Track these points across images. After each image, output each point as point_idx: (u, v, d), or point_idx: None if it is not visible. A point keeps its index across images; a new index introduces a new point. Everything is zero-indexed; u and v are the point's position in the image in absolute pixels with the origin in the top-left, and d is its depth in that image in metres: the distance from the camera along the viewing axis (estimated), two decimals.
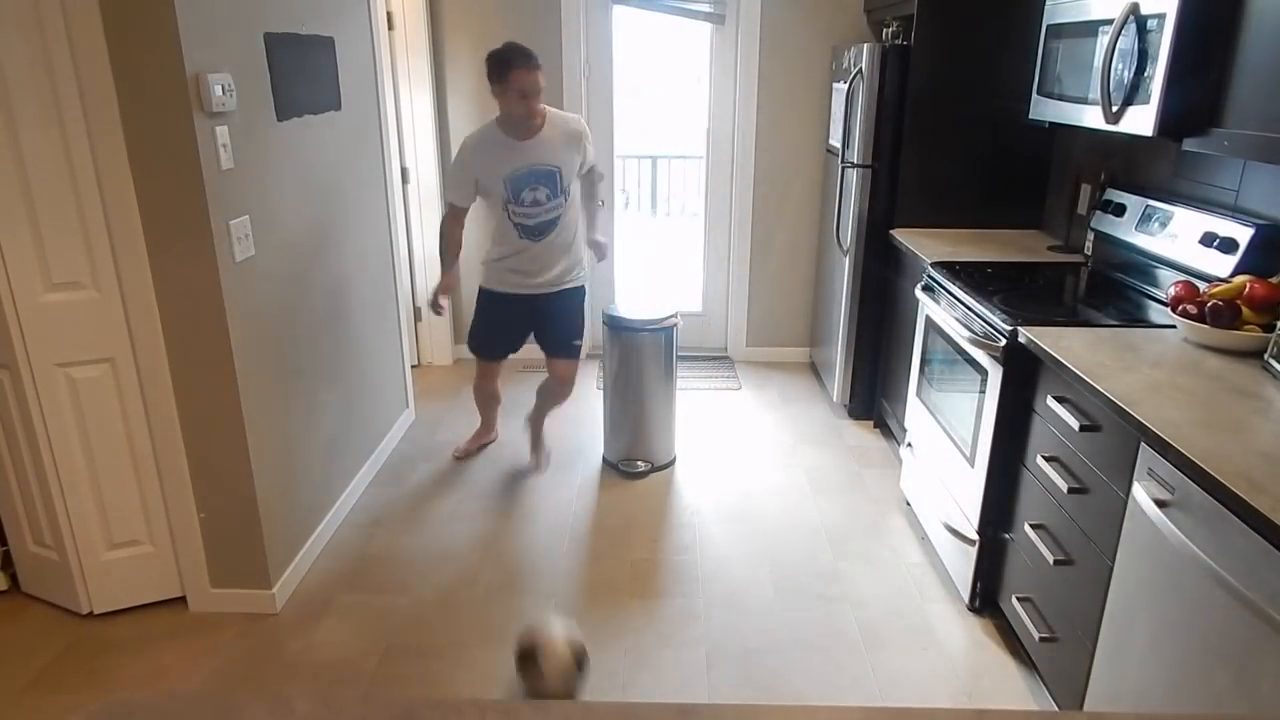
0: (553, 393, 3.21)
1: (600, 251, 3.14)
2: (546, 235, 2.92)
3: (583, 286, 3.12)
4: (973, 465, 2.36)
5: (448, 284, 3.10)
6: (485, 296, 3.08)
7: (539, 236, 2.92)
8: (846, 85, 3.48)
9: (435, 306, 3.08)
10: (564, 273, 3.02)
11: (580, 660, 1.71)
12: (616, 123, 4.30)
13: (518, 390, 4.12)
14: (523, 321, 3.09)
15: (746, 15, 3.98)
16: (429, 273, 4.25)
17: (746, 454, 3.44)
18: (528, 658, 1.70)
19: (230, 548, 2.38)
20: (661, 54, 4.84)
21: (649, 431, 3.26)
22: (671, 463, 3.35)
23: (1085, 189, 2.96)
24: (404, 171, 4.07)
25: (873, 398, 3.69)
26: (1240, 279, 1.96)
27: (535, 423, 3.32)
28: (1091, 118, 2.26)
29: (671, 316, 3.19)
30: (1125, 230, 2.55)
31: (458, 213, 2.99)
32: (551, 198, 2.87)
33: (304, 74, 2.57)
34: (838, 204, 3.59)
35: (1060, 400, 1.95)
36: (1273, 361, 1.78)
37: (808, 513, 2.99)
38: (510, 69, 2.68)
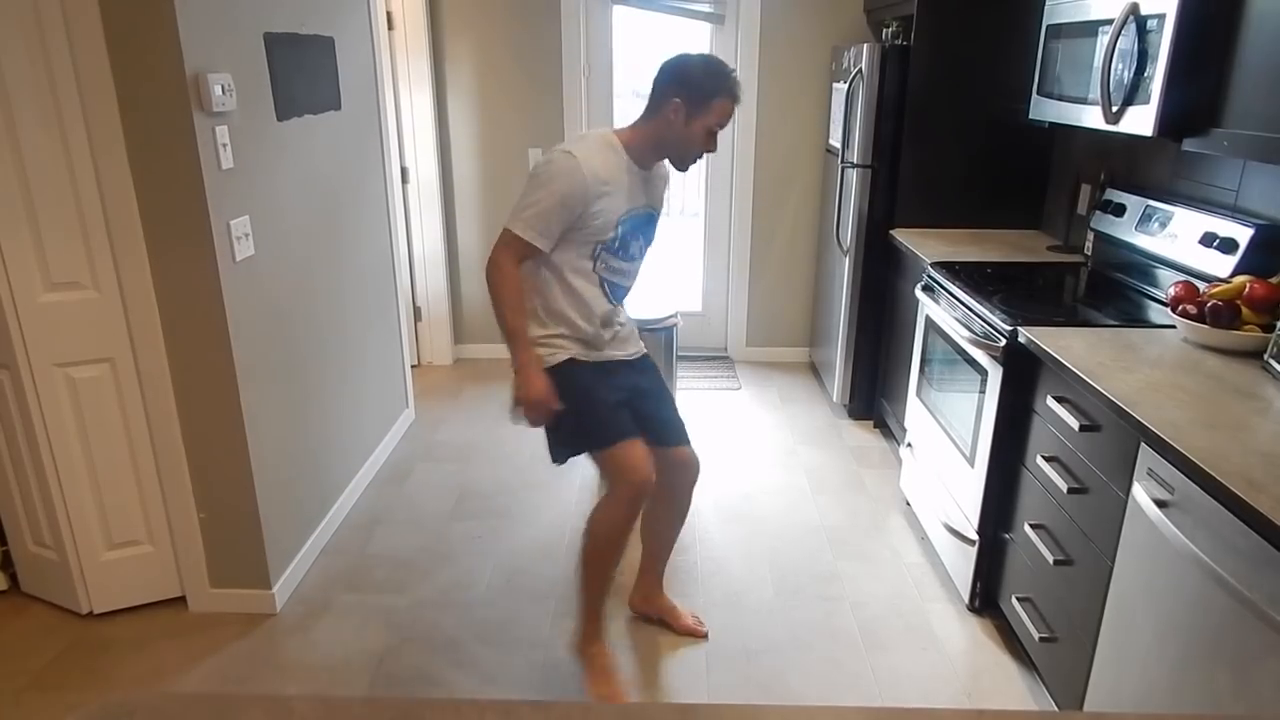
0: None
1: None
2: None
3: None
4: (972, 465, 2.36)
5: (540, 383, 1.95)
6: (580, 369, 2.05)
7: (623, 298, 2.15)
8: (846, 85, 3.48)
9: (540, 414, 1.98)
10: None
11: None
12: (617, 123, 4.30)
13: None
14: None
15: (746, 15, 3.98)
16: (429, 273, 4.26)
17: (746, 454, 3.44)
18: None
19: (230, 548, 2.38)
20: (661, 54, 4.83)
21: None
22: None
23: (1085, 189, 2.96)
24: (404, 171, 4.07)
25: (873, 398, 3.69)
26: (1240, 279, 1.96)
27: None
28: (1091, 118, 2.26)
29: (671, 316, 3.19)
30: (1125, 230, 2.55)
31: (528, 253, 1.94)
32: (643, 254, 2.11)
33: (304, 74, 2.57)
34: (838, 204, 3.59)
35: (1060, 400, 1.95)
36: (1272, 361, 1.78)
37: (808, 513, 2.99)
38: (720, 95, 1.91)
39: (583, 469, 3.29)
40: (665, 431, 2.16)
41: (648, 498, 2.06)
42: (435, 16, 3.98)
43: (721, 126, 1.96)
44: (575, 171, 1.87)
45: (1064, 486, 1.89)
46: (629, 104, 4.57)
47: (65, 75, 1.96)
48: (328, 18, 2.77)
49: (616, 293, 2.06)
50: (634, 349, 2.18)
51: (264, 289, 2.35)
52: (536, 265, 1.98)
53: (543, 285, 2.00)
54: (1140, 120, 2.03)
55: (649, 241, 2.10)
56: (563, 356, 2.02)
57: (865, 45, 3.28)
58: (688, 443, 2.22)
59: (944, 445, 2.60)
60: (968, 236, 3.24)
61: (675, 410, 2.24)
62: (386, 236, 3.37)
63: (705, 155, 2.00)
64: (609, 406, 2.04)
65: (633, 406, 2.09)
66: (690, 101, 1.91)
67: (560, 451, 2.09)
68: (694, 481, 2.24)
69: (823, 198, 4.18)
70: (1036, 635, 2.04)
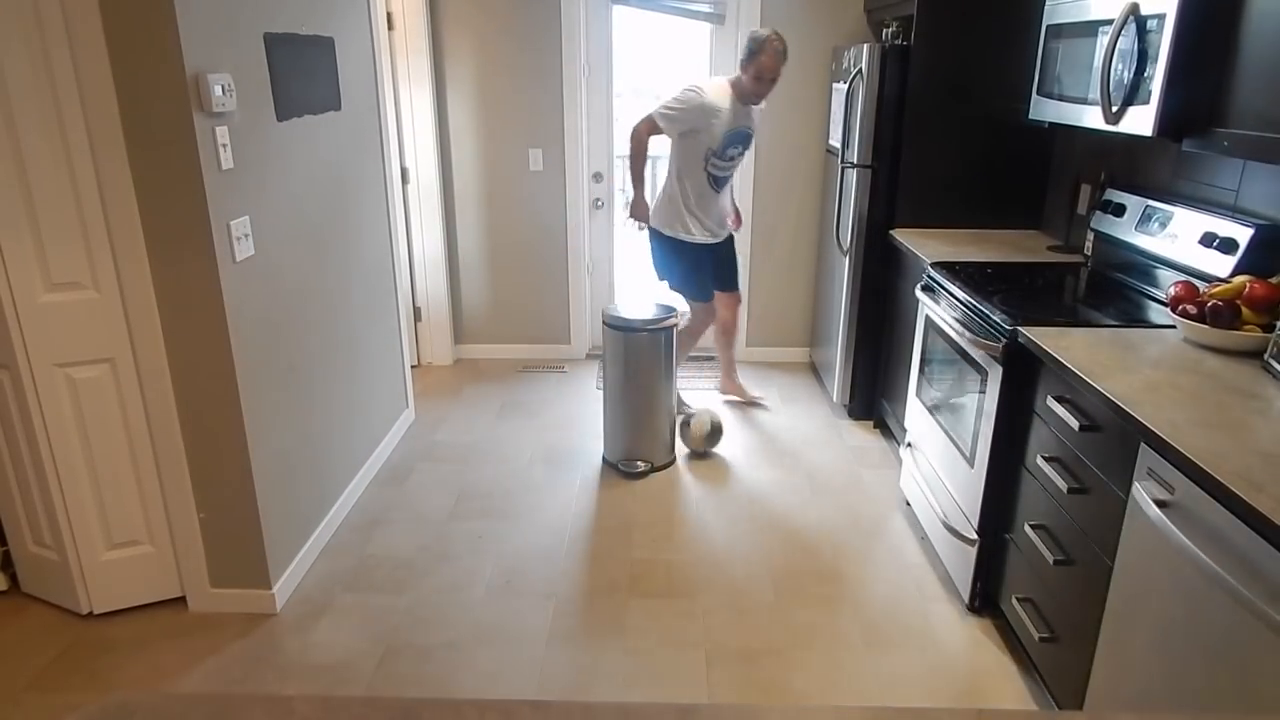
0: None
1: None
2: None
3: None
4: (973, 465, 2.36)
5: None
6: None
7: (722, 186, 3.48)
8: (846, 85, 3.48)
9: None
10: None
11: (716, 428, 3.37)
12: (616, 123, 4.30)
13: (515, 390, 4.13)
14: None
15: (746, 15, 3.98)
16: (429, 273, 4.26)
17: (747, 454, 3.44)
18: (685, 425, 3.35)
19: (230, 548, 2.38)
20: (661, 54, 4.84)
21: (649, 431, 3.26)
22: (671, 463, 3.35)
23: (1085, 189, 2.96)
24: (404, 171, 4.07)
25: (873, 398, 3.69)
26: (1240, 279, 1.96)
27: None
28: (1091, 118, 2.26)
29: (671, 316, 3.20)
30: (1125, 230, 2.55)
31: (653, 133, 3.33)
32: (740, 156, 3.45)
33: (304, 74, 2.57)
34: (838, 204, 3.59)
35: (1060, 400, 1.95)
36: (1272, 361, 1.78)
37: (808, 513, 2.99)
38: (754, 57, 3.17)
39: (581, 475, 3.30)
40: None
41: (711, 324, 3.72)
42: (435, 16, 3.98)
43: (763, 77, 3.19)
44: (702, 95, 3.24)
45: (1064, 486, 1.89)
46: (629, 103, 4.57)
47: (65, 75, 1.96)
48: (328, 18, 2.77)
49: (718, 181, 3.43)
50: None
51: (264, 289, 2.35)
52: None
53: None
54: (1140, 120, 2.03)
55: (743, 147, 3.41)
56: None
57: (865, 45, 3.28)
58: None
59: (944, 445, 2.60)
60: (968, 236, 3.24)
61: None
62: (386, 237, 3.37)
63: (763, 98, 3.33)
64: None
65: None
66: (745, 64, 3.21)
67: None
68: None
69: (823, 198, 4.18)
70: (1036, 635, 2.04)
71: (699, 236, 3.44)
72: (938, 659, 2.27)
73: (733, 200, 3.67)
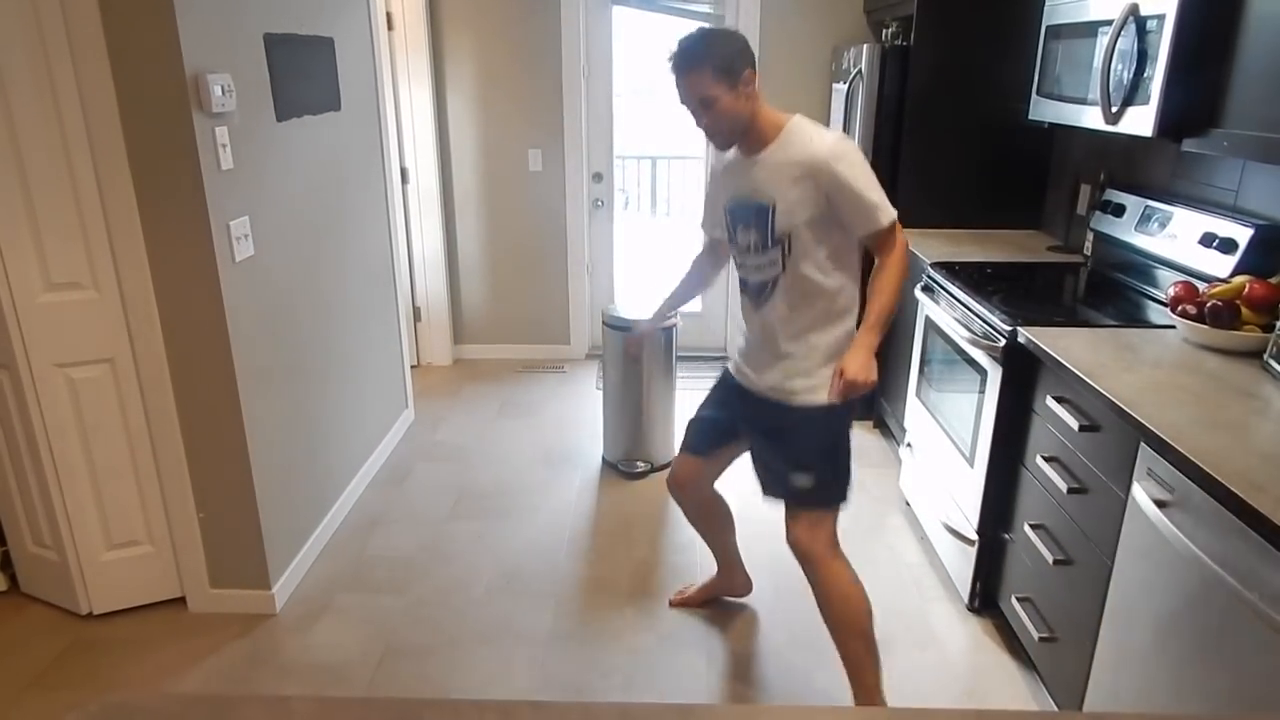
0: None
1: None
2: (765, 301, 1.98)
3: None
4: (972, 465, 2.36)
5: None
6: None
7: (757, 299, 2.00)
8: (846, 85, 3.48)
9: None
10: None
11: None
12: (616, 123, 4.30)
13: (514, 390, 4.12)
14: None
15: (746, 15, 3.98)
16: (428, 273, 4.26)
17: (745, 454, 3.43)
18: None
19: (230, 548, 2.38)
20: (661, 54, 4.85)
21: (649, 431, 3.26)
22: (671, 463, 3.35)
23: (1085, 189, 2.96)
24: (404, 171, 4.07)
25: (872, 397, 3.69)
26: (1239, 279, 1.97)
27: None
28: (1091, 118, 2.26)
29: (671, 317, 3.19)
30: (1125, 230, 2.55)
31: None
32: (762, 248, 1.92)
33: (304, 74, 2.57)
34: None
35: (1060, 400, 1.95)
36: (1272, 361, 1.78)
37: None
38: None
39: (581, 475, 3.29)
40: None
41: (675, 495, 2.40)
42: (435, 16, 3.98)
43: (680, 97, 1.96)
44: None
45: (1064, 486, 1.89)
46: (629, 104, 4.56)
47: (65, 75, 1.96)
48: (328, 18, 2.77)
49: (744, 285, 2.02)
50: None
51: (264, 289, 2.35)
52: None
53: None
54: (1140, 120, 2.03)
55: (756, 231, 1.90)
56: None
57: (865, 45, 3.28)
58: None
59: (944, 445, 2.60)
60: (968, 236, 3.24)
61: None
62: (386, 237, 3.37)
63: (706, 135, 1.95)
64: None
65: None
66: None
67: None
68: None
69: None
70: (1036, 635, 2.04)
71: (732, 357, 2.17)
72: (938, 659, 2.27)
73: (830, 340, 2.11)
